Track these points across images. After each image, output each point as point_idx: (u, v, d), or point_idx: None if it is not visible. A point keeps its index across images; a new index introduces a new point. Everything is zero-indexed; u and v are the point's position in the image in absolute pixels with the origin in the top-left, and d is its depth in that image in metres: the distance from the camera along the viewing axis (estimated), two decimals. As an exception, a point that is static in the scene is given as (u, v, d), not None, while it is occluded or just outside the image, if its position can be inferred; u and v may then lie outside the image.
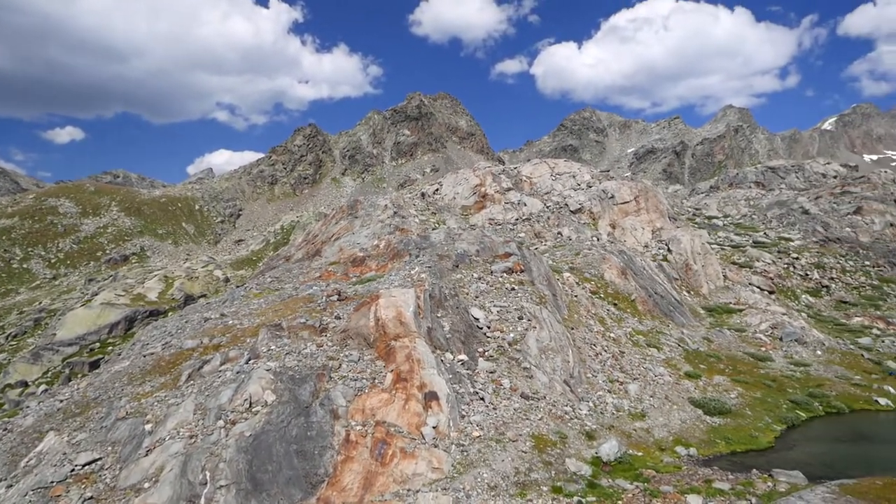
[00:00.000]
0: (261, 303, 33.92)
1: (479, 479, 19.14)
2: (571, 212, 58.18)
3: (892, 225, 79.20)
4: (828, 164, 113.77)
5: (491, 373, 25.29)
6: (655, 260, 50.57)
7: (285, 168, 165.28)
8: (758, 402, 29.87)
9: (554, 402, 24.72)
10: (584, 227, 55.59)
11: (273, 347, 24.24)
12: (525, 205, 60.11)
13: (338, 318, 27.19)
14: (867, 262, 70.79)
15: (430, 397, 22.06)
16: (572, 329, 32.28)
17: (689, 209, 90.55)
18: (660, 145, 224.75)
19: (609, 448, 22.01)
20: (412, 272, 31.19)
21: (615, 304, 39.27)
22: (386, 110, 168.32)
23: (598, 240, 51.45)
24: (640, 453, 22.88)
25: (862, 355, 42.30)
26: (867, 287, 64.72)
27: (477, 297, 31.08)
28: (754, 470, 21.35)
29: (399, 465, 19.36)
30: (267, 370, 22.01)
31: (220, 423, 19.76)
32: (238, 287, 51.24)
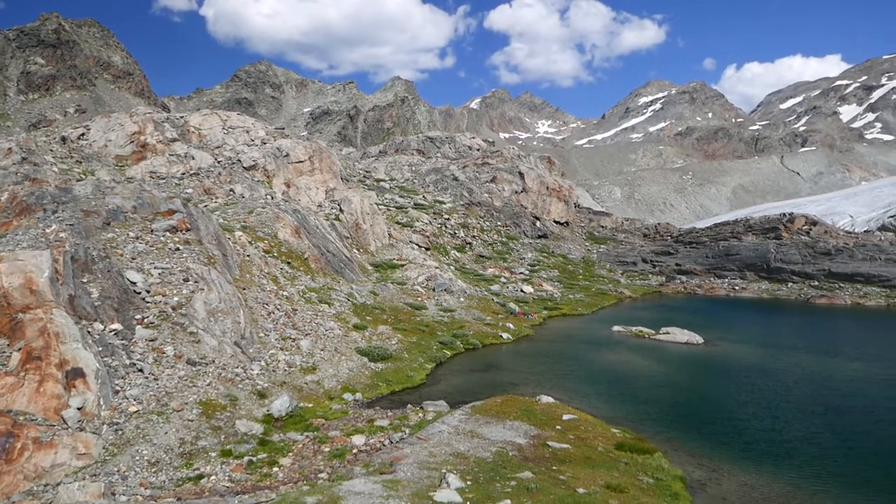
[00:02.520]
0: None
1: (137, 458, 17.49)
2: (245, 168, 56.01)
3: (516, 192, 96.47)
4: (473, 138, 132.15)
5: (151, 341, 23.09)
6: (328, 219, 52.34)
7: None
8: (414, 346, 33.81)
9: (224, 365, 23.91)
10: (258, 184, 54.19)
11: None
12: (193, 158, 55.59)
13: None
14: (499, 223, 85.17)
15: (74, 375, 19.12)
16: (244, 289, 31.48)
17: (361, 171, 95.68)
18: (335, 108, 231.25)
19: (280, 404, 22.36)
20: (48, 231, 26.18)
21: (289, 263, 39.57)
22: (10, 29, 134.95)
23: (272, 198, 50.78)
24: (310, 405, 23.82)
25: (492, 299, 51.21)
26: (498, 244, 77.90)
27: (134, 258, 27.80)
28: (409, 405, 24.25)
29: (32, 459, 16.42)
30: None
31: None
32: None
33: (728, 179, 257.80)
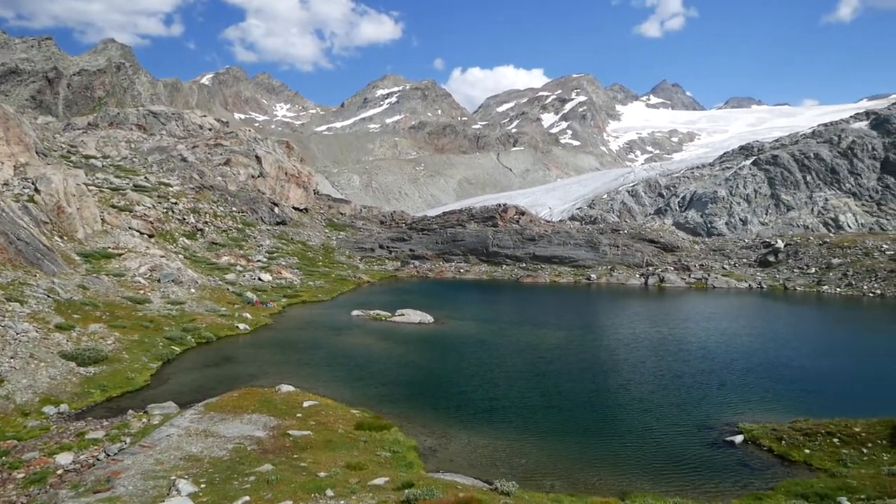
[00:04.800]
0: None
1: None
2: None
3: (253, 177, 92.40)
4: (204, 116, 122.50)
5: None
6: (19, 200, 43.65)
7: None
8: (135, 345, 30.24)
9: None
10: (-88, 154, 42.60)
11: None
12: None
13: None
14: (234, 208, 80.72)
15: None
16: None
17: (64, 145, 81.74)
18: (27, 67, 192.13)
19: (-49, 428, 18.07)
20: None
21: (-39, 254, 31.99)
22: None
23: (-67, 172, 40.40)
24: (-4, 424, 19.72)
25: (227, 289, 48.43)
26: (233, 230, 73.85)
27: None
28: (130, 410, 21.66)
29: None
30: None
31: None
32: None
33: (455, 172, 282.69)
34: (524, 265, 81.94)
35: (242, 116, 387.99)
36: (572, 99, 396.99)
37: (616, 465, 18.56)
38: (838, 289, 64.53)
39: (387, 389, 26.44)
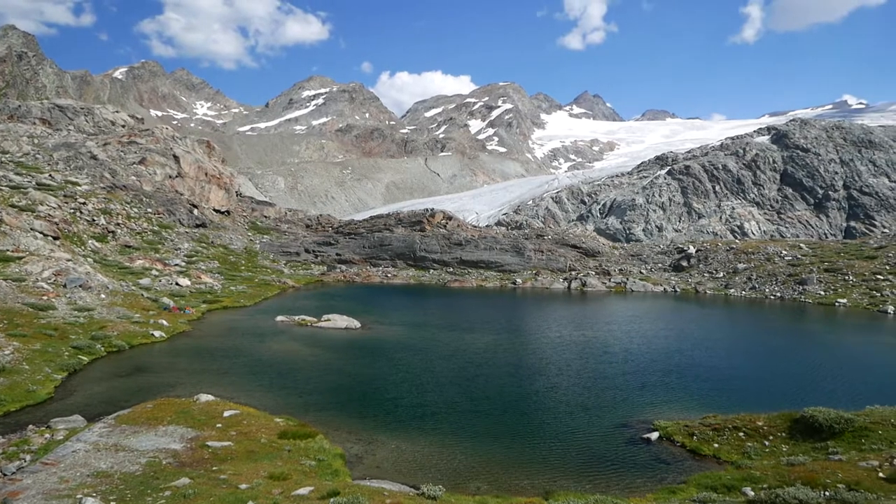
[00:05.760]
0: None
1: None
2: None
3: (171, 177, 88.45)
4: (117, 112, 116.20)
5: None
6: None
7: None
8: (37, 354, 28.17)
9: None
10: None
11: None
12: None
13: None
14: (150, 210, 76.95)
15: None
16: None
17: (-45, 139, 75.34)
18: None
19: None
20: None
21: None
22: None
23: None
24: None
25: (142, 294, 46.02)
26: (149, 232, 70.38)
27: None
28: (31, 426, 20.13)
29: None
30: None
31: None
32: None
33: (382, 176, 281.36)
34: (451, 270, 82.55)
35: (159, 114, 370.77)
36: (499, 106, 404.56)
37: (541, 465, 18.97)
38: (744, 292, 68.85)
39: (312, 397, 25.88)
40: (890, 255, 69.81)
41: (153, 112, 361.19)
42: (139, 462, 16.25)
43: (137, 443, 17.80)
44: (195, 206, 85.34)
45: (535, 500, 15.67)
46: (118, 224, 66.94)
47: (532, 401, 26.17)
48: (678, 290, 72.26)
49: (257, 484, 14.90)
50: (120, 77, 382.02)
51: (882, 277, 64.12)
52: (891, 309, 54.14)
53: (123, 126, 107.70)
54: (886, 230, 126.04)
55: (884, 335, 44.88)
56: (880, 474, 15.62)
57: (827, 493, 14.42)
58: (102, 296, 42.26)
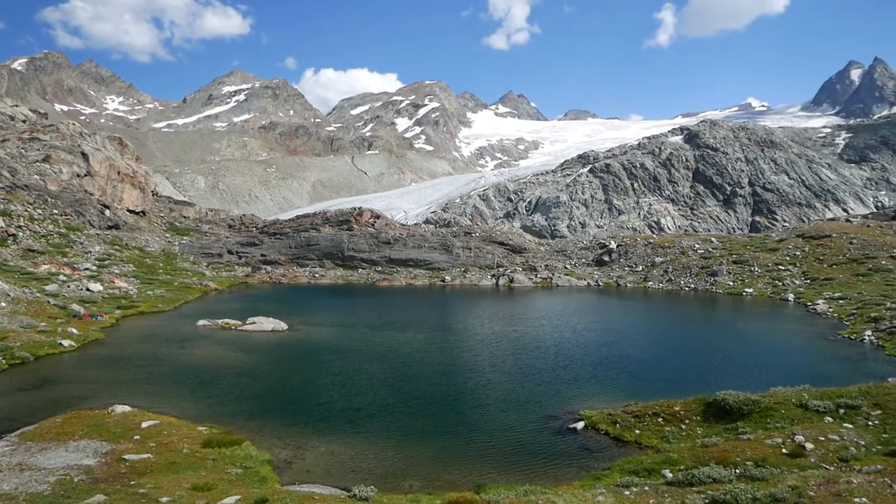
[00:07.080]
0: None
1: None
2: None
3: (79, 176, 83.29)
4: (16, 106, 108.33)
5: None
6: None
7: None
8: (-73, 370, 25.79)
9: None
10: None
11: None
12: None
13: None
14: (56, 211, 72.17)
15: None
16: None
17: None
18: None
19: None
20: None
21: None
22: None
23: None
24: None
25: (48, 301, 43.09)
26: (55, 235, 66.01)
27: None
28: (-80, 448, 18.39)
29: None
30: None
31: None
32: None
33: (308, 175, 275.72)
34: (380, 269, 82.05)
35: (65, 108, 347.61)
36: (426, 105, 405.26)
37: (473, 460, 19.17)
38: (661, 284, 72.24)
39: (238, 404, 25.02)
40: (790, 247, 75.20)
41: (58, 106, 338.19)
42: (47, 481, 15.20)
43: (45, 460, 16.64)
44: (107, 207, 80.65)
45: (466, 494, 15.81)
46: (19, 227, 62.32)
47: (465, 398, 26.39)
48: (601, 283, 74.89)
49: (179, 496, 14.27)
50: (19, 68, 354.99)
51: (783, 268, 68.99)
52: (791, 297, 58.28)
53: (24, 121, 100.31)
54: (787, 224, 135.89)
55: (784, 322, 48.24)
56: (783, 450, 16.84)
57: (737, 471, 15.41)
58: (3, 304, 39.22)
